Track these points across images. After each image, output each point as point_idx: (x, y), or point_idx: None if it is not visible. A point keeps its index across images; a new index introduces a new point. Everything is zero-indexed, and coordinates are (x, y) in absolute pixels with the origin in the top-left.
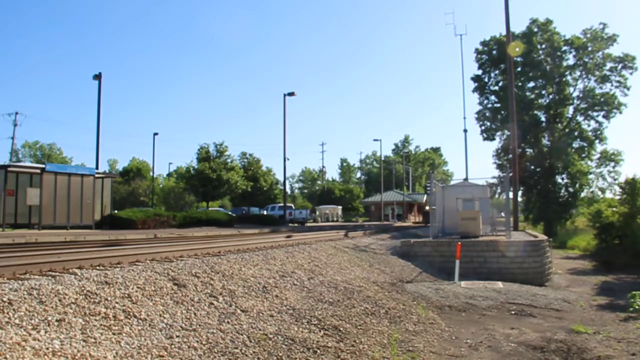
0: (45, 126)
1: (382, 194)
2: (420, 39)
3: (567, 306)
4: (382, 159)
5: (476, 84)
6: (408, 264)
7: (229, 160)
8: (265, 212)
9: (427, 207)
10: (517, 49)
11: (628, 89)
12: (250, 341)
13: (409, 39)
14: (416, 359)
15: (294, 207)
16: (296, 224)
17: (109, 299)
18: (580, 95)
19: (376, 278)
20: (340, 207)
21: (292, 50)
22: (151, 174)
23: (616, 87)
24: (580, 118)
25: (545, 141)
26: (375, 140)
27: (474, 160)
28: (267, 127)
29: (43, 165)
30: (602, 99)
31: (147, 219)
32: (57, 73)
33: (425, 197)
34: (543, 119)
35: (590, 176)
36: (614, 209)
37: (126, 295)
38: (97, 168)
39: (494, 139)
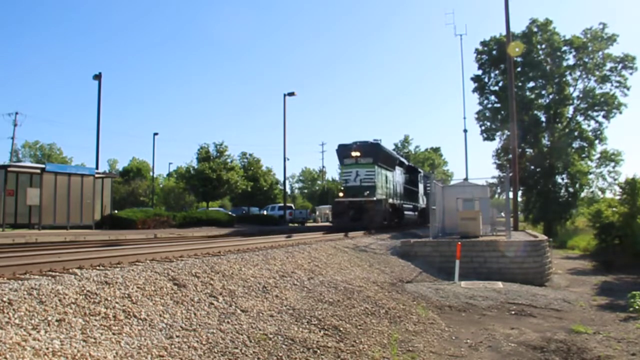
0: (45, 126)
1: None
2: (420, 39)
3: (567, 306)
4: None
5: (476, 84)
6: (408, 264)
7: (229, 160)
8: (265, 212)
9: (339, 196)
10: (517, 49)
11: (628, 89)
12: (250, 341)
13: (409, 39)
14: (416, 359)
15: (294, 207)
16: (296, 224)
17: (109, 299)
18: (580, 95)
19: (376, 278)
20: None
21: (292, 50)
22: (151, 174)
23: (616, 87)
24: (580, 118)
25: (545, 141)
26: (375, 140)
27: (474, 160)
28: (267, 127)
29: (43, 165)
30: (602, 99)
31: (147, 219)
32: (57, 73)
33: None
34: (543, 119)
35: (590, 176)
36: (614, 209)
37: (126, 295)
38: (97, 168)
39: (494, 139)
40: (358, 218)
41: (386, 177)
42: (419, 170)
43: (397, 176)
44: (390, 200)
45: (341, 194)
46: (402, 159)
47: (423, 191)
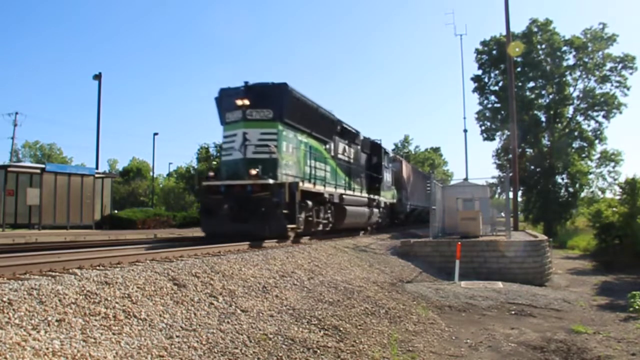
0: (45, 126)
1: None
2: (420, 39)
3: (567, 306)
4: None
5: (476, 84)
6: (408, 264)
7: None
8: None
9: (210, 177)
10: (517, 49)
11: (628, 89)
12: (250, 341)
13: (409, 39)
14: (416, 359)
15: None
16: None
17: (109, 299)
18: (580, 95)
19: (376, 278)
20: None
21: (292, 50)
22: (151, 174)
23: (616, 87)
24: (580, 118)
25: (545, 141)
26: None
27: (474, 160)
28: None
29: (43, 165)
30: (602, 99)
31: (147, 219)
32: (57, 73)
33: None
34: (543, 119)
35: (590, 176)
36: (614, 209)
37: (126, 295)
38: (97, 168)
39: (494, 139)
40: (241, 218)
41: (306, 146)
42: (385, 149)
43: (340, 150)
44: (311, 187)
45: (212, 174)
46: (350, 127)
47: (391, 180)
